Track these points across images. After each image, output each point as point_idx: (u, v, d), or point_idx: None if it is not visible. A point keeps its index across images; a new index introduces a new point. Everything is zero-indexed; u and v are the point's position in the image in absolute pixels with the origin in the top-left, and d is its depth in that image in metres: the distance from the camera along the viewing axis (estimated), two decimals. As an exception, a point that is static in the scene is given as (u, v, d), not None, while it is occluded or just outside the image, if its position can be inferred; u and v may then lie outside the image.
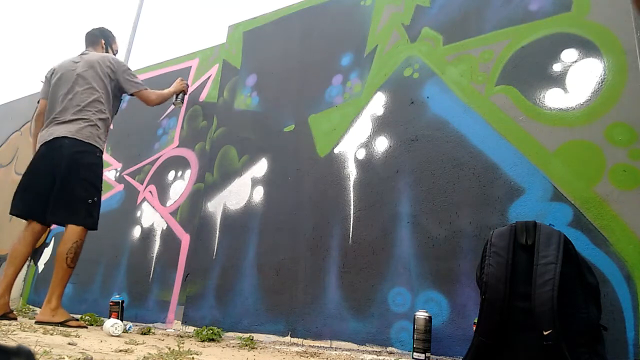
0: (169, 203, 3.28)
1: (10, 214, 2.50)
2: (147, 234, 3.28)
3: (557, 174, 1.87)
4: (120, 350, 1.50)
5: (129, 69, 2.80)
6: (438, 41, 2.38)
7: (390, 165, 2.31)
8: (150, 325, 2.79)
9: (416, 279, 2.06)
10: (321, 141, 2.62)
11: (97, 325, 2.58)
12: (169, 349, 1.57)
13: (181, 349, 1.57)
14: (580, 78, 1.94)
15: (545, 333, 1.35)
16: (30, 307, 3.59)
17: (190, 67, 3.71)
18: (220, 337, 2.30)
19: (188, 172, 3.29)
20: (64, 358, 1.15)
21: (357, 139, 2.48)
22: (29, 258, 3.96)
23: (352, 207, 2.36)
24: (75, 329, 2.16)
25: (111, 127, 3.97)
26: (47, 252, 3.89)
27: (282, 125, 2.82)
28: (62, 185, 2.40)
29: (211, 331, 2.27)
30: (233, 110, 3.13)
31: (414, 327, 1.83)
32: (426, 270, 2.04)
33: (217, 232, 2.82)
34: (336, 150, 2.54)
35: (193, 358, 1.47)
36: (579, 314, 1.40)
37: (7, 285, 2.36)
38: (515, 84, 2.08)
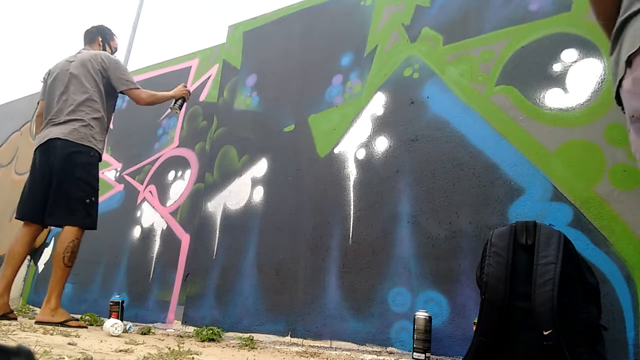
0: (169, 203, 3.28)
1: (16, 218, 2.52)
2: (147, 234, 3.28)
3: (557, 174, 1.87)
4: (120, 350, 1.50)
5: (122, 66, 2.74)
6: (438, 41, 2.38)
7: (390, 165, 2.31)
8: (150, 325, 2.79)
9: (416, 279, 2.06)
10: (321, 141, 2.62)
11: (97, 325, 2.58)
12: (169, 349, 1.57)
13: (181, 349, 1.57)
14: (580, 78, 1.94)
15: (545, 333, 1.35)
16: (30, 307, 3.59)
17: (190, 67, 3.71)
18: (220, 337, 2.30)
19: (188, 172, 3.29)
20: (64, 358, 1.15)
21: (357, 139, 2.48)
22: (29, 258, 3.96)
23: (352, 207, 2.36)
24: (75, 329, 2.16)
25: (111, 126, 4.00)
26: (47, 252, 3.89)
27: (282, 125, 2.82)
28: (58, 186, 2.39)
29: (211, 331, 2.27)
30: (233, 110, 3.13)
31: (414, 327, 1.83)
32: (426, 270, 2.04)
33: (217, 232, 2.82)
34: (336, 150, 2.54)
35: (193, 358, 1.47)
36: (579, 314, 1.40)
37: (5, 286, 2.36)
38: (515, 84, 2.08)
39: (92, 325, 2.57)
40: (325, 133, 2.62)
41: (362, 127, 2.49)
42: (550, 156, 1.91)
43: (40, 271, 3.85)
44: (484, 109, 2.13)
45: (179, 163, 3.37)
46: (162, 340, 2.10)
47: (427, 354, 1.78)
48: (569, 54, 1.99)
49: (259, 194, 2.75)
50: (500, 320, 1.45)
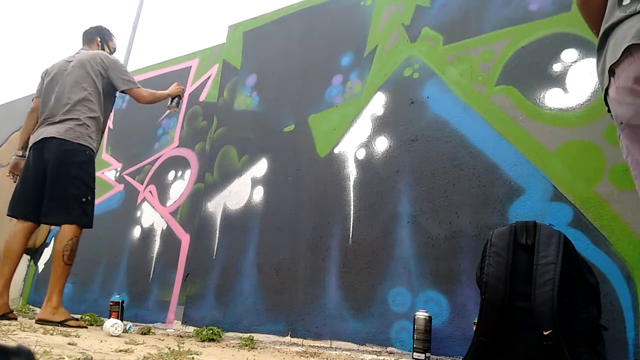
0: (169, 203, 3.28)
1: (7, 215, 2.50)
2: (147, 234, 3.28)
3: (557, 174, 1.87)
4: (120, 350, 1.50)
5: (122, 66, 2.74)
6: (438, 41, 2.38)
7: (390, 165, 2.31)
8: (150, 325, 2.79)
9: (416, 279, 2.06)
10: (321, 141, 2.62)
11: (97, 325, 2.58)
12: (169, 349, 1.57)
13: (181, 349, 1.57)
14: (580, 78, 1.94)
15: (545, 333, 1.35)
16: (30, 307, 3.59)
17: (190, 67, 3.71)
18: (220, 337, 2.30)
19: (188, 172, 3.29)
20: (64, 358, 1.15)
21: (357, 139, 2.48)
22: (29, 258, 3.96)
23: (352, 207, 2.36)
24: (75, 328, 2.16)
25: (110, 126, 4.00)
26: (47, 252, 3.89)
27: (282, 125, 2.82)
28: (53, 185, 2.39)
29: (211, 331, 2.27)
30: (233, 110, 3.13)
31: (414, 327, 1.83)
32: (426, 270, 2.04)
33: (217, 232, 2.82)
34: (336, 150, 2.54)
35: (193, 358, 1.47)
36: (579, 314, 1.40)
37: (4, 285, 2.35)
38: (515, 84, 2.08)
39: (92, 325, 2.57)
40: (325, 133, 2.62)
41: (362, 127, 2.49)
42: (550, 156, 1.91)
43: (40, 271, 3.85)
44: (484, 109, 2.13)
45: (179, 163, 3.37)
46: (162, 340, 2.10)
47: (427, 354, 1.78)
48: (569, 54, 1.99)
49: (259, 194, 2.75)
50: (500, 320, 1.45)
